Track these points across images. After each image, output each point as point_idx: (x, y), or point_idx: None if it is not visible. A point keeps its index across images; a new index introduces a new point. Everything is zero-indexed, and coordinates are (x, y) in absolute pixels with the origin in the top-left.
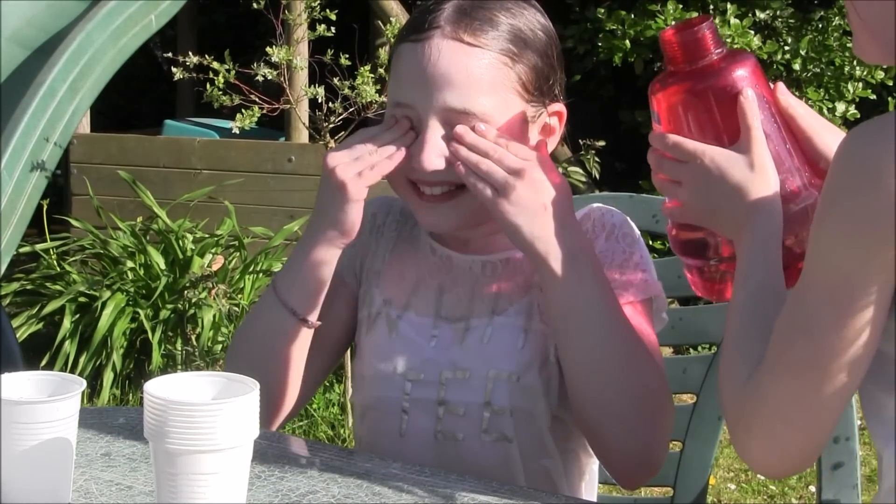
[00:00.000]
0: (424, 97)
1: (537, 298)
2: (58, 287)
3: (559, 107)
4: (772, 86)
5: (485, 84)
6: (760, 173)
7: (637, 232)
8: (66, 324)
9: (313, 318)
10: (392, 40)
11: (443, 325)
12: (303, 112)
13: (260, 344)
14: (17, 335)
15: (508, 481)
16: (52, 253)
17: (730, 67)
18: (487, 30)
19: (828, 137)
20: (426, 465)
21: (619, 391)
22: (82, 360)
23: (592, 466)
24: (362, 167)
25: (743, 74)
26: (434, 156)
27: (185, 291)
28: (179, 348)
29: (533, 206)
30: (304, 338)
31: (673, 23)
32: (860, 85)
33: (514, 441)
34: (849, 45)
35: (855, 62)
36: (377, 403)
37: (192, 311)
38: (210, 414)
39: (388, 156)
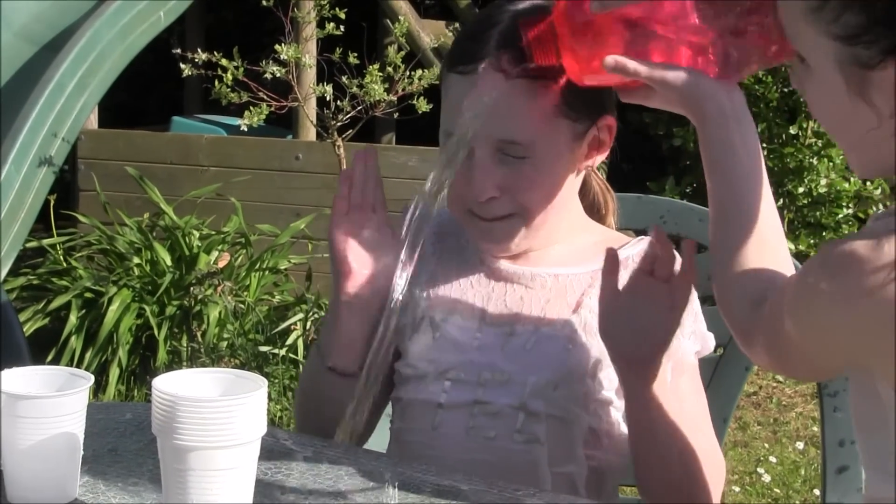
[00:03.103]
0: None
1: (586, 317)
2: (64, 282)
3: (609, 120)
4: None
5: (533, 113)
6: (686, 89)
7: None
8: (73, 319)
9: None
10: (401, 39)
11: (486, 330)
12: (311, 110)
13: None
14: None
15: (533, 484)
16: (58, 248)
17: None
18: (532, 58)
19: None
20: (454, 460)
21: (679, 479)
22: (88, 355)
23: (615, 477)
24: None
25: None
26: (486, 184)
27: (192, 288)
28: (185, 345)
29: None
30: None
31: None
32: None
33: (545, 444)
34: None
35: None
36: (415, 400)
37: (198, 308)
38: (218, 410)
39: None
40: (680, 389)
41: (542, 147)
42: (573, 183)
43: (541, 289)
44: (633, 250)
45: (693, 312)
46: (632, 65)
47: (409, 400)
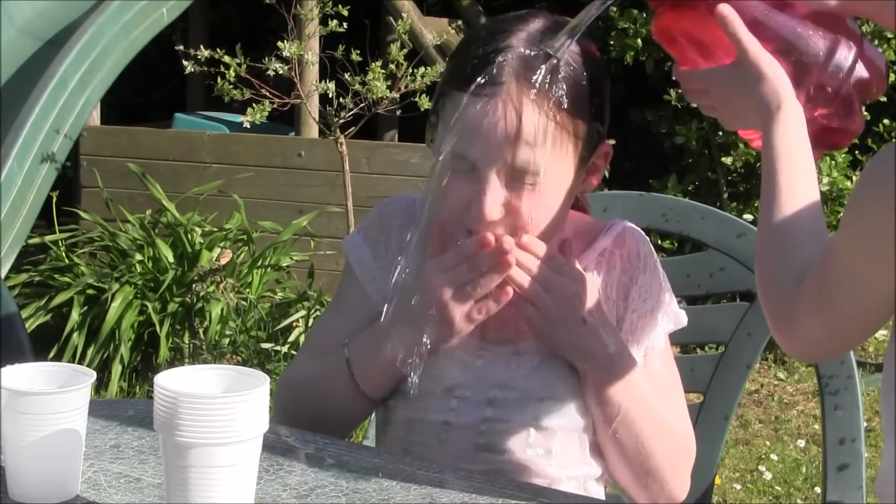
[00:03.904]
0: (488, 153)
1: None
2: (66, 279)
3: (607, 148)
4: None
5: (547, 140)
6: (766, 79)
7: (654, 252)
8: (75, 316)
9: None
10: (404, 37)
11: (489, 348)
12: (313, 107)
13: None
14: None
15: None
16: (60, 245)
17: None
18: (550, 85)
19: None
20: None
21: (653, 456)
22: (90, 352)
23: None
24: (472, 298)
25: None
26: (493, 206)
27: (194, 285)
28: (187, 341)
29: (570, 320)
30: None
31: None
32: None
33: (557, 456)
34: None
35: None
36: (421, 416)
37: (200, 305)
38: (220, 407)
39: (494, 298)
40: (651, 372)
41: (552, 175)
42: (568, 206)
43: None
44: (609, 241)
45: (663, 292)
46: (737, 24)
47: (414, 418)
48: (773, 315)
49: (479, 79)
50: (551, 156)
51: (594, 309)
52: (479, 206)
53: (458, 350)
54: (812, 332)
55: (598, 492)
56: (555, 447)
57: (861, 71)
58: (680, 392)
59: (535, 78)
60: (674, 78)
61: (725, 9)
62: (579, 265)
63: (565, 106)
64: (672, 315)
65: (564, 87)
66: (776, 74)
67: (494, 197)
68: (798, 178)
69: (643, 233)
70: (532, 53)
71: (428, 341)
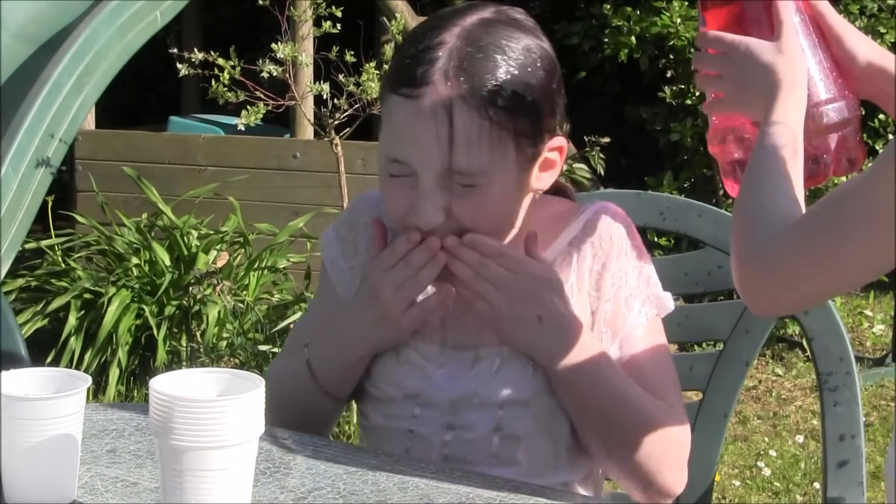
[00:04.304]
0: (421, 156)
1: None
2: (63, 283)
3: (560, 141)
4: None
5: (483, 140)
6: (787, 55)
7: (637, 235)
8: (72, 320)
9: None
10: (398, 37)
11: (450, 354)
12: (308, 109)
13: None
14: (23, 331)
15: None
16: (57, 249)
17: None
18: (486, 82)
19: (856, 38)
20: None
21: (634, 451)
22: (87, 356)
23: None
24: (409, 298)
25: None
26: (431, 212)
27: (190, 288)
28: (184, 345)
29: (525, 318)
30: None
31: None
32: None
33: (522, 465)
34: None
35: None
36: (385, 423)
37: (197, 308)
38: (216, 410)
39: (435, 296)
40: (631, 363)
41: (491, 175)
42: (523, 203)
43: None
44: (578, 228)
45: (644, 279)
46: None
47: (379, 425)
48: (746, 251)
49: (407, 79)
50: (489, 155)
51: (555, 305)
52: (417, 213)
53: (417, 356)
54: (793, 272)
55: (586, 493)
56: (520, 455)
57: (849, 138)
58: (669, 380)
59: (465, 76)
60: (696, 45)
61: None
62: (547, 257)
63: (500, 103)
64: (654, 300)
65: (499, 83)
66: (802, 63)
67: (432, 202)
68: (789, 147)
69: (622, 213)
70: (466, 50)
71: (380, 341)
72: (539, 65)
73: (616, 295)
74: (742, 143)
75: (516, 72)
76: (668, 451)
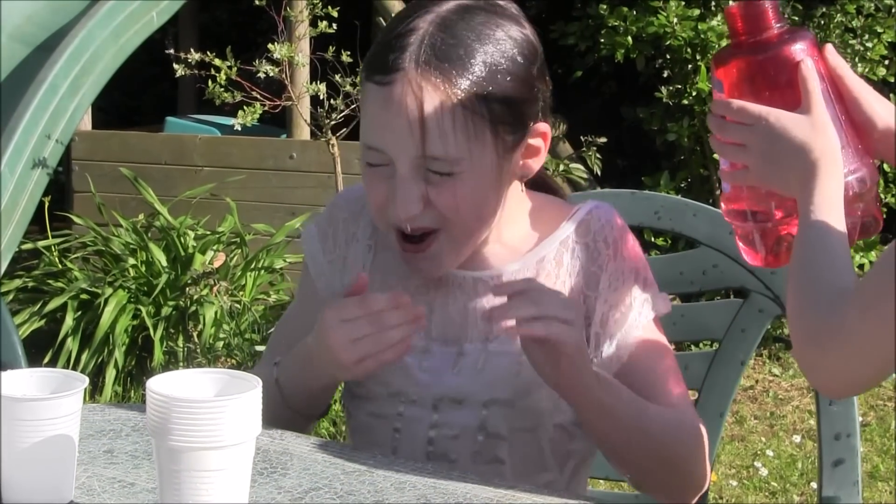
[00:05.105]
0: (394, 144)
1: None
2: (60, 284)
3: (543, 127)
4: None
5: (457, 126)
6: (822, 132)
7: (632, 235)
8: (69, 321)
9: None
10: None
11: (434, 348)
12: (304, 109)
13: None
14: (20, 332)
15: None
16: (53, 250)
17: (790, 40)
18: (457, 68)
19: (873, 101)
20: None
21: (657, 461)
22: (84, 357)
23: (585, 469)
24: (365, 353)
25: (802, 47)
26: (409, 202)
27: (187, 288)
28: (181, 345)
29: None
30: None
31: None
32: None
33: (506, 463)
34: (850, 41)
35: (856, 58)
36: (369, 421)
37: (193, 308)
38: (213, 411)
39: (391, 346)
40: (632, 363)
41: (468, 161)
42: (506, 191)
43: (483, 294)
44: (571, 228)
45: (641, 279)
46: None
47: (364, 422)
48: (810, 333)
49: (379, 66)
50: (465, 142)
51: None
52: (394, 203)
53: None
54: (864, 341)
55: (573, 494)
56: (503, 454)
57: (870, 204)
58: (673, 379)
59: (436, 62)
60: (711, 110)
61: (811, 63)
62: (537, 256)
63: (475, 89)
64: (651, 301)
65: (472, 69)
66: (835, 138)
67: (409, 191)
68: (834, 225)
69: (614, 212)
70: (439, 35)
71: (336, 379)
72: (516, 51)
73: (612, 296)
74: (766, 229)
75: (490, 58)
76: (678, 454)
